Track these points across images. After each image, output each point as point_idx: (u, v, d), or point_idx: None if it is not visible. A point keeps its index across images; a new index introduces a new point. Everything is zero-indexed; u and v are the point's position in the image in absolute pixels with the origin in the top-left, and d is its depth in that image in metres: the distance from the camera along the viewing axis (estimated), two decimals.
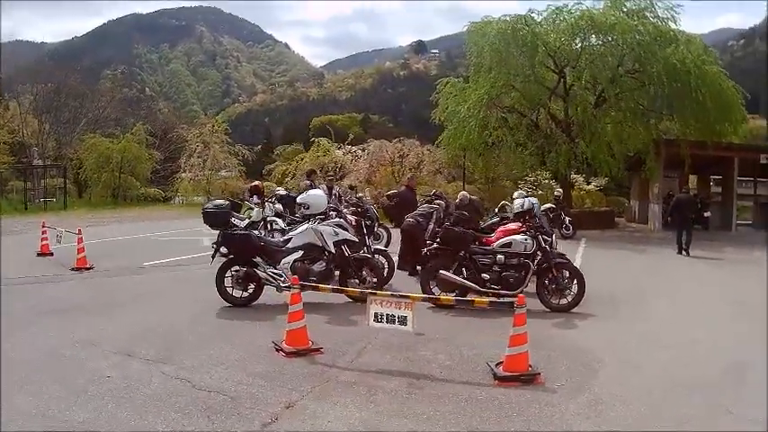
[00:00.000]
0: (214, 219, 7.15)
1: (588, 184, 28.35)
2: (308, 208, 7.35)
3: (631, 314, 7.06)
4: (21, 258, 10.85)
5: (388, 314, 4.60)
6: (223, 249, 6.95)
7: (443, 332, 5.80)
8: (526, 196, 9.80)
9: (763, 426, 2.98)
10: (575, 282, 6.91)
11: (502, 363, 4.52)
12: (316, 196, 7.53)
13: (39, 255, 11.29)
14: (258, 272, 6.88)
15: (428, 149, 27.79)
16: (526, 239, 6.98)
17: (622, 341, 5.74)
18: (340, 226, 7.24)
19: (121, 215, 24.25)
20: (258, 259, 6.92)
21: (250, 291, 6.96)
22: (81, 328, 5.88)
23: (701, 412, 3.86)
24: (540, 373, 4.44)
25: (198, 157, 32.48)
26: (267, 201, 11.18)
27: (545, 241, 6.99)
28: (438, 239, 7.25)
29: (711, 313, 7.30)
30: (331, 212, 7.45)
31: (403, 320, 4.58)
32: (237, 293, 6.94)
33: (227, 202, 7.57)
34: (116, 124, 39.45)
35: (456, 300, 5.89)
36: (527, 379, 4.39)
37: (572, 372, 4.66)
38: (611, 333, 6.05)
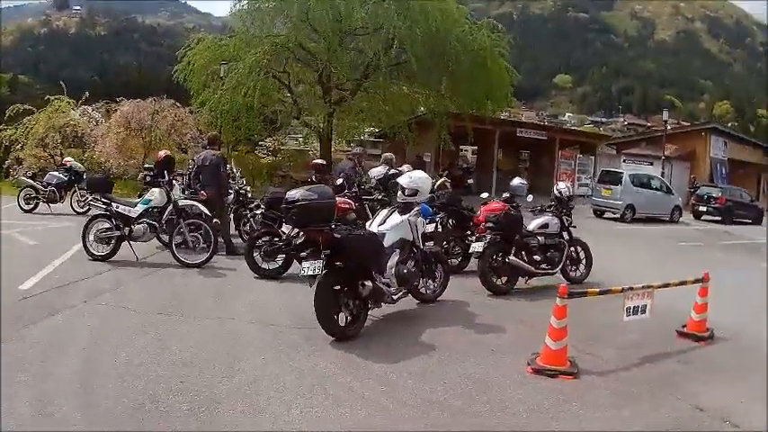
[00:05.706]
0: (317, 215, 4.94)
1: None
2: (415, 194, 6.15)
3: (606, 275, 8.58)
4: None
5: (635, 306, 5.19)
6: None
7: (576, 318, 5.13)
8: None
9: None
10: (583, 255, 8.40)
11: (686, 326, 5.83)
12: (425, 179, 6.34)
13: None
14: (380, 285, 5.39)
15: (187, 111, 24.69)
16: (556, 221, 8.08)
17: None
18: (420, 215, 6.36)
19: None
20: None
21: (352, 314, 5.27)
22: None
23: None
24: (713, 329, 5.88)
25: None
26: (174, 179, 9.06)
27: (567, 221, 8.23)
28: (492, 224, 7.44)
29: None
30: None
31: (644, 309, 5.27)
32: (342, 319, 5.20)
33: (324, 186, 5.45)
34: None
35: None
36: (711, 337, 5.81)
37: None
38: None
